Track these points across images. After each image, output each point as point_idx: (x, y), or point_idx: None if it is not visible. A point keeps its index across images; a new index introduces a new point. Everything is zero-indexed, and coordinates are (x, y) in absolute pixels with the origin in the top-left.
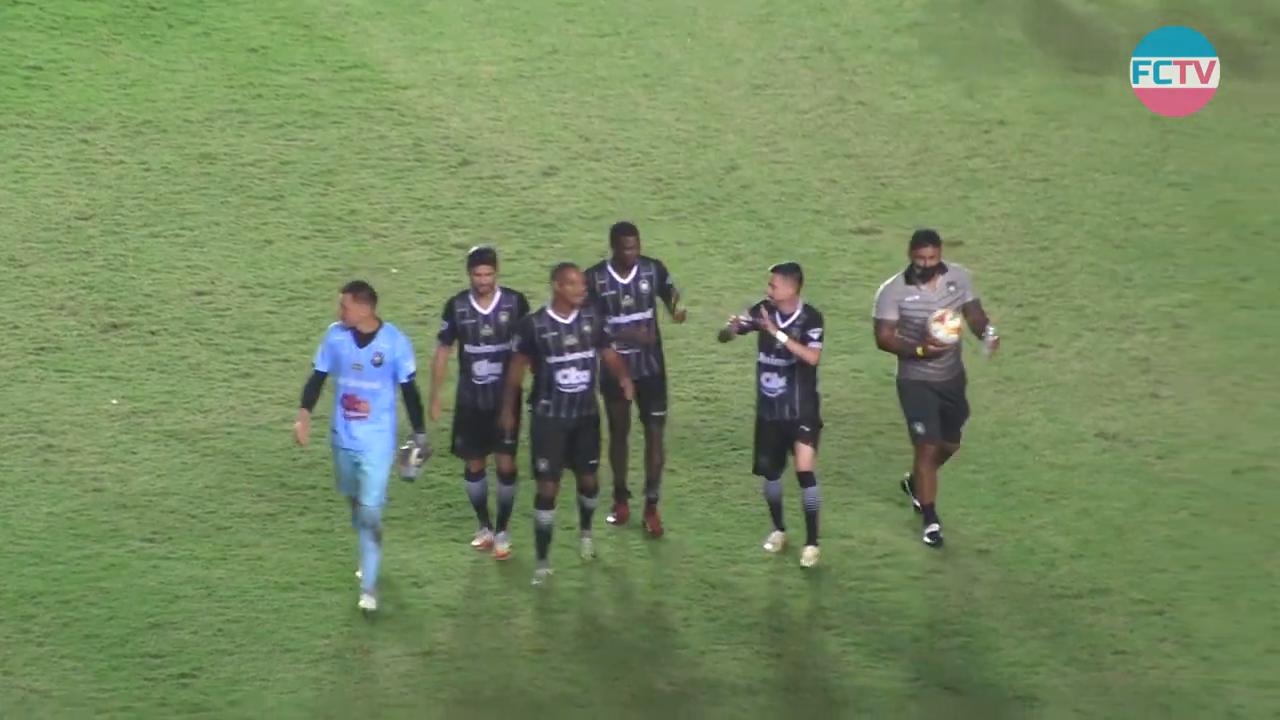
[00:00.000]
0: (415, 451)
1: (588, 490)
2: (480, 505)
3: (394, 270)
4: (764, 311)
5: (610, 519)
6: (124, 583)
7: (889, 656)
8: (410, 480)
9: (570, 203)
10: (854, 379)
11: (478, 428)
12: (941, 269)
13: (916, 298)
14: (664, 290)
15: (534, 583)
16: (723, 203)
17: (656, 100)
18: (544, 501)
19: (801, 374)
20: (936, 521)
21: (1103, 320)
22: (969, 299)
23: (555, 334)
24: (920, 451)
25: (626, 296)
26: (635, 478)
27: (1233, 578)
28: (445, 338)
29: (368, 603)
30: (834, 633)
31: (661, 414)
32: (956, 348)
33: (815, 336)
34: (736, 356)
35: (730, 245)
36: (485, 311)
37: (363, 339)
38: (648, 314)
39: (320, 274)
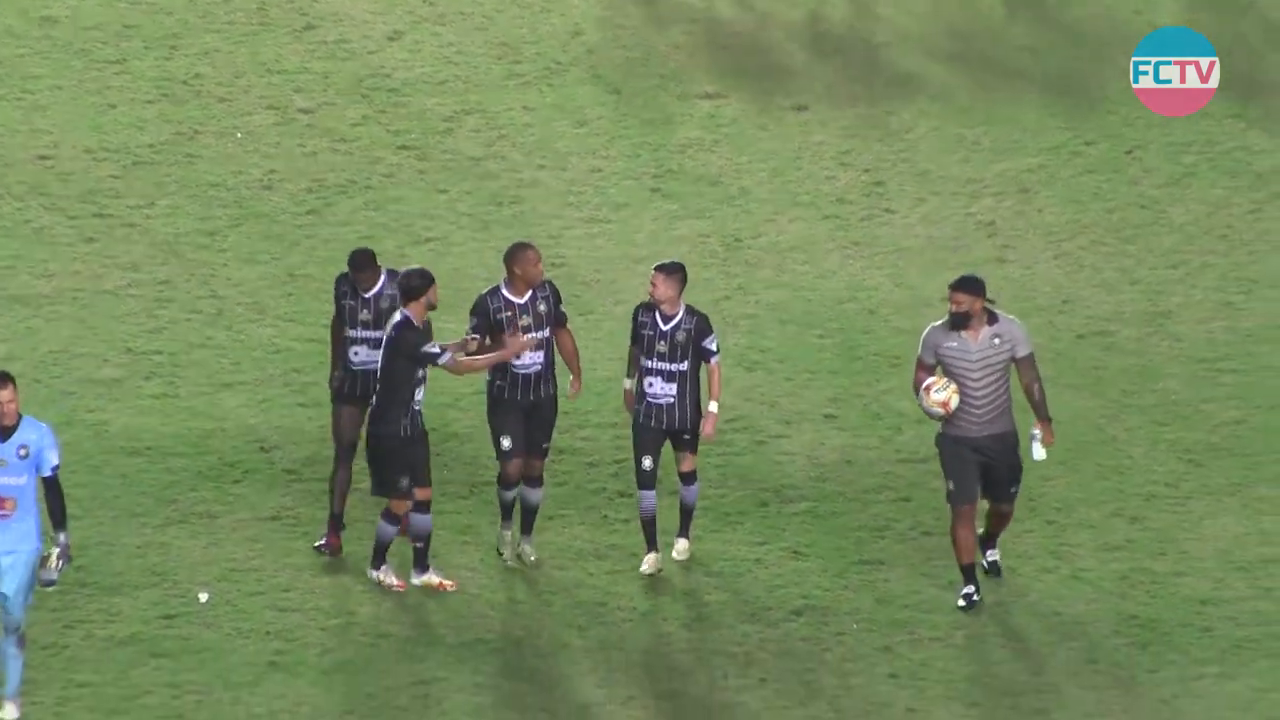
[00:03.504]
0: (56, 553)
1: (534, 478)
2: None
3: (239, 135)
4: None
5: (319, 544)
6: None
7: (735, 521)
8: (51, 583)
9: (415, 68)
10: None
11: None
12: (992, 319)
13: (955, 345)
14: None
15: (499, 551)
16: (568, 67)
17: None
18: (508, 480)
19: (691, 380)
20: (974, 584)
21: (949, 185)
22: (1020, 354)
23: (510, 314)
24: (954, 512)
25: (364, 311)
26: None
27: (1077, 442)
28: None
29: (10, 712)
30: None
31: None
32: (1003, 403)
33: (713, 348)
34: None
35: (576, 110)
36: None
37: (4, 432)
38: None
39: (165, 138)
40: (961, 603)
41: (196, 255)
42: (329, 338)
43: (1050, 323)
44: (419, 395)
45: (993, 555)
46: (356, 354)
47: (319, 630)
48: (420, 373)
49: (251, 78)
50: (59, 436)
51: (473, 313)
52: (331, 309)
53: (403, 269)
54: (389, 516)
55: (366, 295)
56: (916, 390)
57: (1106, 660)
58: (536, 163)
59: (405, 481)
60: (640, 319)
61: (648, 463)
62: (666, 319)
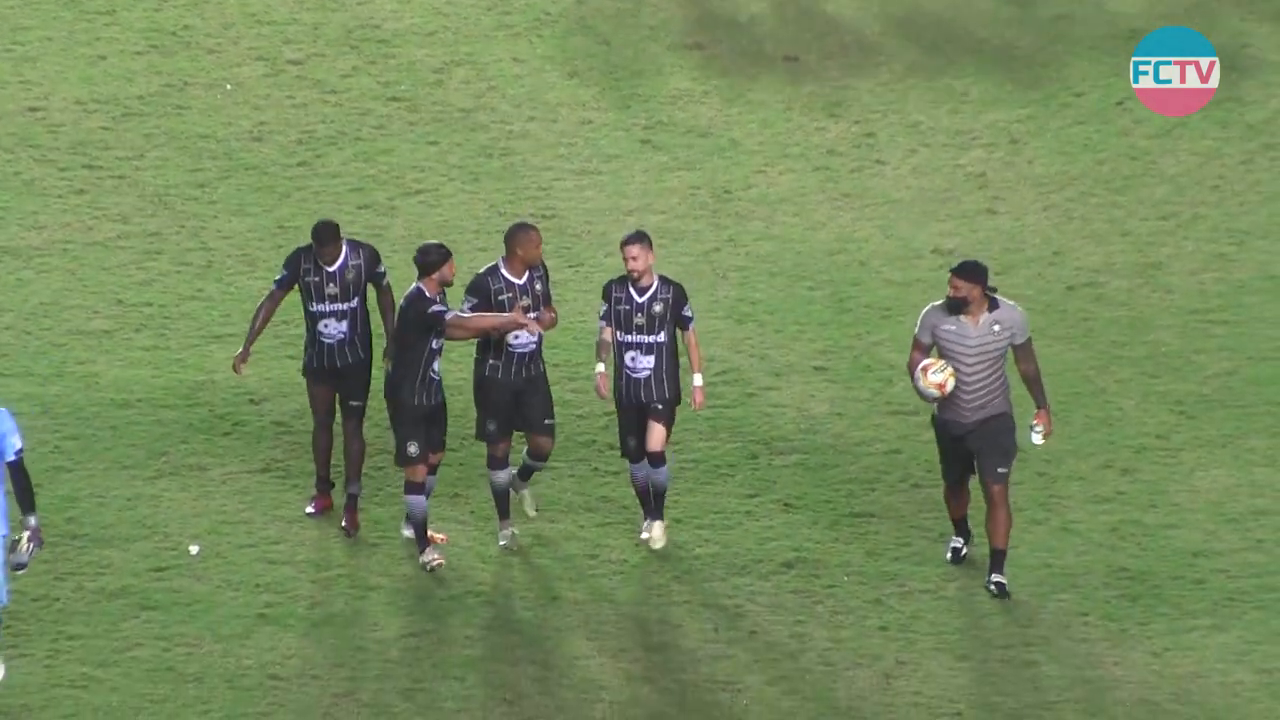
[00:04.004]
0: (26, 536)
1: (540, 454)
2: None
3: (228, 86)
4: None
5: (309, 510)
6: None
7: (726, 474)
8: (22, 567)
9: (405, 18)
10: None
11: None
12: (993, 305)
13: (952, 328)
14: (375, 278)
15: (501, 544)
16: (558, 19)
17: None
18: (497, 462)
19: (669, 351)
20: (964, 535)
21: (939, 136)
22: (1018, 341)
23: (511, 294)
24: (944, 484)
25: (331, 285)
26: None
27: (1068, 394)
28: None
29: None
30: (673, 448)
31: (359, 404)
32: (997, 388)
33: (690, 315)
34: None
35: (566, 62)
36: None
37: None
38: (353, 304)
39: (154, 90)
40: (949, 555)
41: (186, 207)
42: (255, 311)
43: (1040, 274)
44: (435, 366)
45: (998, 578)
46: (326, 327)
47: (309, 583)
48: (434, 344)
49: (241, 29)
50: (18, 420)
51: (471, 292)
52: (269, 285)
53: (420, 244)
54: (410, 488)
55: (331, 269)
56: (912, 371)
57: (1097, 613)
58: (527, 114)
59: (414, 448)
60: (614, 294)
61: (633, 441)
62: (641, 291)
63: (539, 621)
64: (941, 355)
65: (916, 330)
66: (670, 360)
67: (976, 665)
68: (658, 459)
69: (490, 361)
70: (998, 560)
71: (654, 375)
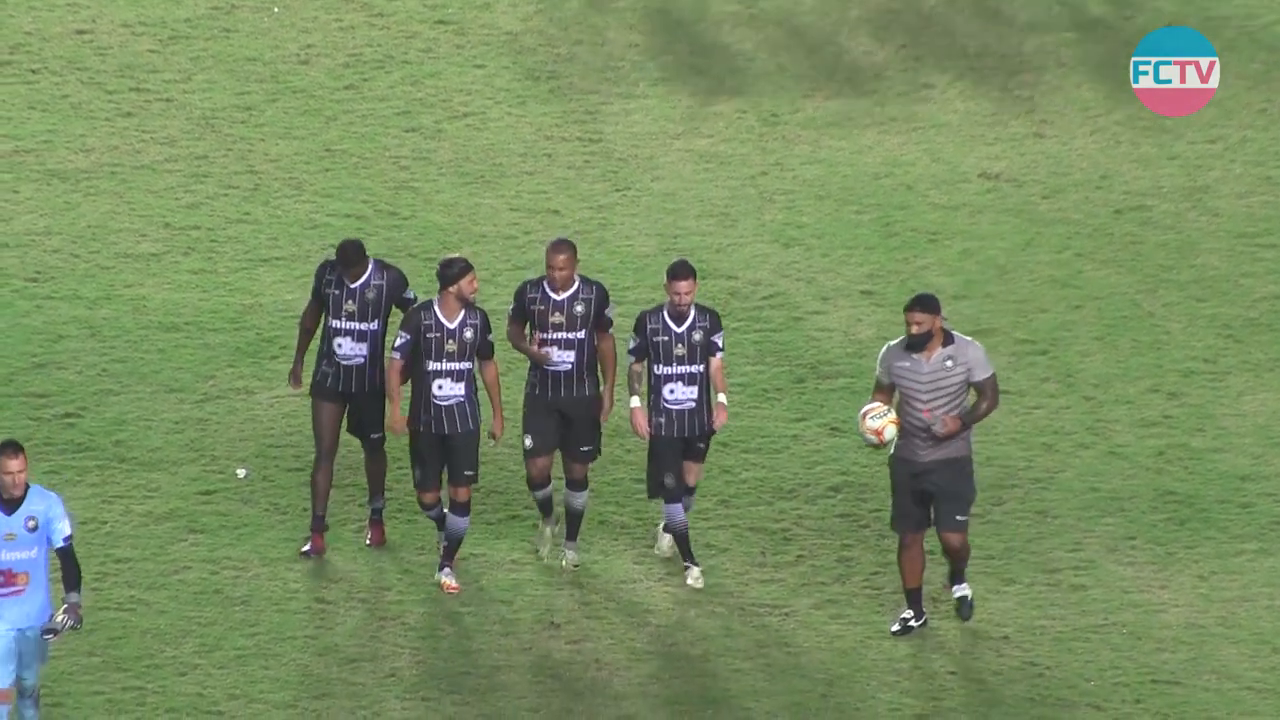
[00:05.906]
0: (64, 609)
1: (576, 481)
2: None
3: (275, 9)
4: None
5: (304, 549)
6: (7, 322)
7: (773, 398)
8: (55, 634)
9: None
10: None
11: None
12: (948, 340)
13: (906, 365)
14: (401, 303)
15: (541, 549)
16: None
17: None
18: (534, 481)
19: (706, 379)
20: (914, 609)
21: (987, 59)
22: (977, 379)
23: (543, 308)
24: (897, 539)
25: (350, 302)
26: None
27: (1115, 317)
28: (403, 350)
29: None
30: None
31: (379, 436)
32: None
33: (720, 344)
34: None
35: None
36: (451, 326)
37: (11, 505)
38: (372, 325)
39: (202, 13)
40: (895, 627)
41: (233, 130)
42: (297, 330)
43: (1087, 198)
44: (437, 388)
45: (960, 591)
46: (340, 346)
47: (357, 506)
48: (435, 365)
49: None
50: (69, 506)
51: (514, 298)
52: (306, 298)
53: (443, 256)
54: (420, 505)
55: (353, 285)
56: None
57: (1144, 537)
58: (574, 37)
59: (416, 473)
60: (650, 325)
61: (670, 479)
62: (679, 321)
63: (585, 545)
64: (901, 394)
65: (877, 370)
66: (708, 389)
67: (1024, 589)
68: (690, 490)
69: (531, 379)
70: (958, 575)
71: (697, 406)
